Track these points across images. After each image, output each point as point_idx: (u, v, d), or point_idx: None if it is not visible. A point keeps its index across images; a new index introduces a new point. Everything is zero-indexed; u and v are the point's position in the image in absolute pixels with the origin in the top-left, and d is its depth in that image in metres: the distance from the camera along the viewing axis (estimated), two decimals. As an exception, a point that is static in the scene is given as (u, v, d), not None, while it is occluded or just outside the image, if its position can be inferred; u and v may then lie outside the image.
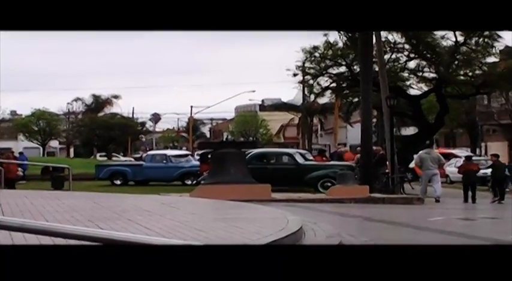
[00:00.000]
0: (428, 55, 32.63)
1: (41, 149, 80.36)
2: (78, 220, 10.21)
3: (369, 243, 10.15)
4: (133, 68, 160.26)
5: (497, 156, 25.45)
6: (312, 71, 35.47)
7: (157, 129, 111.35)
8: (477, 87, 34.19)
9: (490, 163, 28.46)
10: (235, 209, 13.18)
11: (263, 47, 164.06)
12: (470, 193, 22.68)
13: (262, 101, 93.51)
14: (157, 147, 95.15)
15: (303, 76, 37.28)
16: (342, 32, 31.03)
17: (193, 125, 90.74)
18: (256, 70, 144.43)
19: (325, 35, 32.82)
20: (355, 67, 32.59)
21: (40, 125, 79.70)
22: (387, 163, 25.96)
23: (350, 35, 30.83)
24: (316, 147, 59.37)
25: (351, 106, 45.67)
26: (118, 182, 32.68)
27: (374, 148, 27.93)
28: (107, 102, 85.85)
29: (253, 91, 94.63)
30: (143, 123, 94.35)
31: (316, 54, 34.31)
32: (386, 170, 25.83)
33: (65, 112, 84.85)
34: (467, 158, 25.80)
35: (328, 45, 33.82)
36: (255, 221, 10.48)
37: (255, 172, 23.21)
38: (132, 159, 58.74)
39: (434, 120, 34.92)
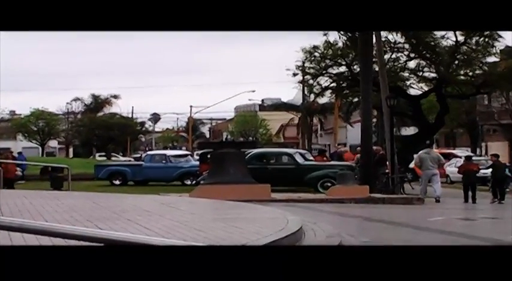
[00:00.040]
0: (428, 55, 32.62)
1: (40, 149, 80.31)
2: (77, 220, 10.20)
3: (368, 243, 10.14)
4: (133, 68, 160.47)
5: (497, 156, 25.45)
6: (311, 70, 35.45)
7: (156, 129, 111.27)
8: (477, 87, 34.18)
9: (490, 163, 28.45)
10: (235, 209, 13.18)
11: (263, 47, 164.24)
12: (470, 193, 22.68)
13: (262, 101, 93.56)
14: (157, 147, 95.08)
15: (303, 76, 37.29)
16: (342, 32, 31.03)
17: (193, 125, 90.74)
18: (256, 70, 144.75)
19: (325, 35, 32.83)
20: (355, 67, 32.58)
21: (39, 125, 79.61)
22: (387, 163, 25.95)
23: (350, 35, 30.83)
24: (316, 147, 59.42)
25: (351, 106, 45.67)
26: (117, 182, 32.65)
27: (374, 147, 27.91)
28: (106, 102, 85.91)
29: (253, 91, 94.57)
30: (142, 123, 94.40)
31: (316, 54, 34.30)
32: (387, 170, 25.82)
33: (64, 112, 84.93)
34: (467, 158, 25.78)
35: (328, 45, 33.80)
36: (254, 221, 10.48)
37: (255, 172, 23.21)
38: (132, 159, 58.77)
39: (434, 120, 34.92)
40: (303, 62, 35.64)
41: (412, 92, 35.29)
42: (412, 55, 33.15)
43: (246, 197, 16.95)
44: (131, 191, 24.65)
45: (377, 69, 28.30)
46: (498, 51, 32.93)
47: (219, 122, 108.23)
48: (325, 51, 34.21)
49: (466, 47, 32.53)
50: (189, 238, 8.03)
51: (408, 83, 35.15)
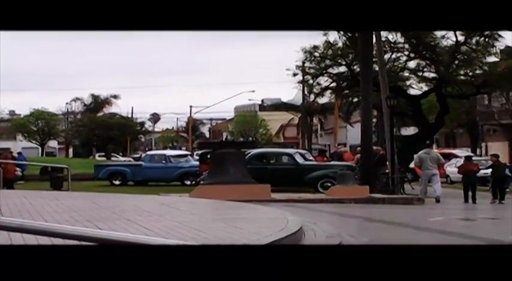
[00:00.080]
0: (428, 55, 32.62)
1: (40, 149, 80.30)
2: (77, 220, 10.20)
3: (368, 243, 10.13)
4: (133, 68, 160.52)
5: (497, 156, 25.44)
6: (311, 70, 35.45)
7: (156, 129, 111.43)
8: (477, 87, 34.18)
9: (490, 163, 28.44)
10: (235, 209, 13.18)
11: (263, 47, 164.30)
12: (470, 193, 22.68)
13: (262, 101, 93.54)
14: (157, 147, 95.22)
15: (303, 76, 37.27)
16: (341, 32, 31.03)
17: (193, 125, 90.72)
18: (256, 70, 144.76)
19: (325, 35, 32.83)
20: (355, 67, 32.58)
21: (39, 125, 79.62)
22: (387, 163, 25.95)
23: (350, 35, 30.84)
24: (316, 147, 59.41)
25: (351, 106, 45.68)
26: (117, 182, 32.64)
27: (374, 147, 27.92)
28: (106, 102, 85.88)
29: (253, 91, 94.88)
30: (142, 123, 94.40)
31: (316, 54, 34.30)
32: (387, 170, 25.82)
33: (63, 112, 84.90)
34: (467, 158, 25.77)
35: (328, 45, 33.80)
36: (254, 221, 10.47)
37: (255, 172, 23.20)
38: (131, 159, 58.80)
39: (434, 120, 34.92)
40: (303, 62, 35.65)
41: (412, 92, 35.33)
42: (412, 55, 33.15)
43: (246, 197, 16.95)
44: (131, 191, 24.63)
45: (377, 69, 28.30)
46: (498, 51, 32.94)
47: (219, 122, 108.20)
48: (325, 51, 34.21)
49: (466, 47, 32.54)
50: (189, 238, 8.03)
51: (408, 83, 35.16)
